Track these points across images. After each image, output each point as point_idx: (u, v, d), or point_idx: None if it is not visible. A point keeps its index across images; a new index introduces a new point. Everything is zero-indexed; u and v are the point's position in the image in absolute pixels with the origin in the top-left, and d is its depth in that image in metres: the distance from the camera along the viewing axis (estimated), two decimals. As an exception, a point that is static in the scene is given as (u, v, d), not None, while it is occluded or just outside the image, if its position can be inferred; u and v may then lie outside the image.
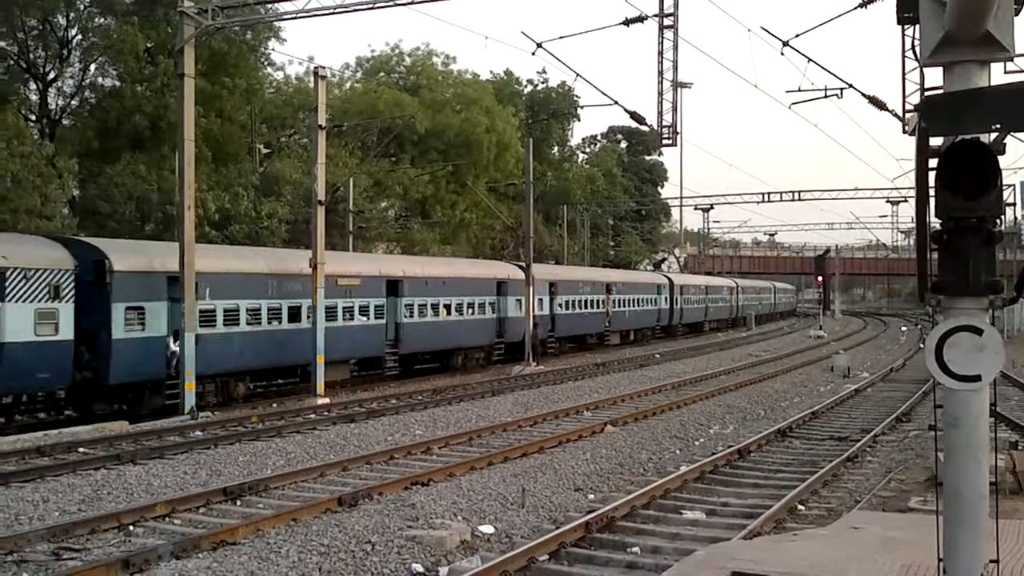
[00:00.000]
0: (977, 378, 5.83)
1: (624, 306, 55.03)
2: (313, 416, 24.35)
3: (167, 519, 13.62)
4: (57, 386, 23.62)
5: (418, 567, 11.21)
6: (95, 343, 23.64)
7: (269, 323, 28.23)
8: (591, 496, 15.19)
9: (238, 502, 14.78)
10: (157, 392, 25.05)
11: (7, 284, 21.47)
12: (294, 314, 28.97)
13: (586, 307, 49.89)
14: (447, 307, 36.88)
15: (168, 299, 25.19)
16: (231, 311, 26.97)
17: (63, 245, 24.25)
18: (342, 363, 31.72)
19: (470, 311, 38.52)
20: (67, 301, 22.73)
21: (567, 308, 47.31)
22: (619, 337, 55.48)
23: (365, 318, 32.28)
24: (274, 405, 27.41)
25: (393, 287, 34.02)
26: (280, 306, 28.61)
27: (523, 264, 41.70)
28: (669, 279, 65.21)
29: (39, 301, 22.12)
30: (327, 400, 27.38)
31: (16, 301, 21.63)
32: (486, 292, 39.94)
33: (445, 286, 36.97)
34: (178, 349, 24.94)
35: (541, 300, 43.35)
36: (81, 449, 19.20)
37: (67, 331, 22.66)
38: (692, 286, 70.04)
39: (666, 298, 62.16)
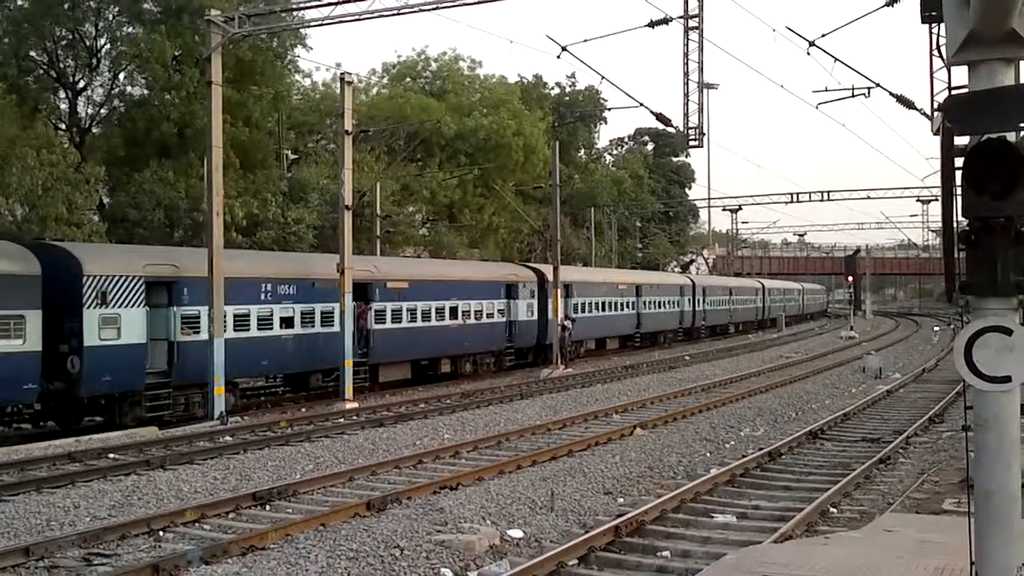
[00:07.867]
0: (1007, 379, 5.77)
1: (737, 304, 71.89)
2: (342, 421, 24.44)
3: (197, 524, 13.70)
4: (529, 345, 40.55)
5: (447, 572, 11.20)
6: (521, 323, 39.55)
7: (604, 311, 47.20)
8: (620, 500, 15.13)
9: (267, 507, 14.83)
10: (530, 353, 41.33)
11: (520, 291, 39.30)
12: (611, 305, 48.05)
13: (720, 305, 67.59)
14: (661, 302, 55.51)
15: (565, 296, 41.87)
16: (587, 304, 45.11)
17: (529, 268, 42.53)
18: (614, 338, 49.99)
19: (671, 306, 57.51)
20: (535, 298, 40.29)
21: (711, 306, 65.03)
22: (734, 328, 71.41)
23: (625, 309, 50.11)
24: (303, 410, 27.55)
25: (638, 289, 51.95)
26: (604, 301, 47.17)
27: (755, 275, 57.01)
28: (762, 284, 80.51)
29: (527, 299, 39.87)
30: (356, 404, 27.54)
31: (521, 299, 39.34)
32: (673, 293, 58.28)
33: (660, 288, 56.50)
34: (570, 325, 40.09)
35: (699, 299, 61.86)
36: (112, 455, 19.35)
37: (534, 315, 40.19)
38: (775, 288, 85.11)
39: (760, 298, 77.95)
